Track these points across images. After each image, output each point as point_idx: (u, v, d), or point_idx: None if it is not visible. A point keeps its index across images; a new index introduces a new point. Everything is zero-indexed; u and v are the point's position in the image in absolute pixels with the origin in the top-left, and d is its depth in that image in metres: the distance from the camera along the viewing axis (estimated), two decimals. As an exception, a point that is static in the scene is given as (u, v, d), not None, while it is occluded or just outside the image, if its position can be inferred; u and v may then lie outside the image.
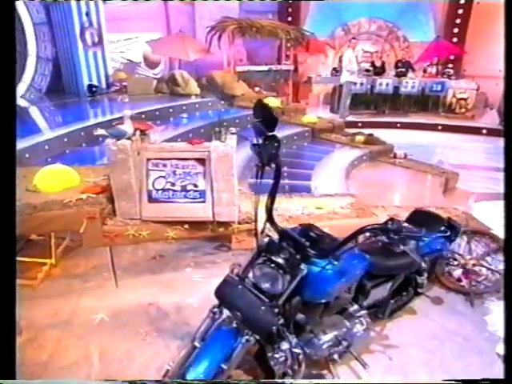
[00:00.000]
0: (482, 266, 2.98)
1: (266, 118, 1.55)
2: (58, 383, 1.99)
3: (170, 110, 5.93)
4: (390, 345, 2.38)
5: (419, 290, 2.34)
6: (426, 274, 2.30)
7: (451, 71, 9.49)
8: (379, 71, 9.63)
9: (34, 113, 6.38)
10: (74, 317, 2.57)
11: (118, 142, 2.39)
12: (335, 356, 1.89)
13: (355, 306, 2.02)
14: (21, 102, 6.74)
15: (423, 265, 2.30)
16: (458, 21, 10.65)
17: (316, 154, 4.96)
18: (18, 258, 2.95)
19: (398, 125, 8.56)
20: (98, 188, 2.67)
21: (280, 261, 1.52)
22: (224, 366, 1.57)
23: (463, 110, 8.93)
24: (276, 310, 1.55)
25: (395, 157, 5.16)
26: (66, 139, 3.93)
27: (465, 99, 8.88)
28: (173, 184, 2.56)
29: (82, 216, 2.47)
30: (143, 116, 5.53)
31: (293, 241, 1.56)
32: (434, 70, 9.70)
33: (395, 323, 2.56)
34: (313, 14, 11.57)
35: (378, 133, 7.92)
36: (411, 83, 9.26)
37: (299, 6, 11.32)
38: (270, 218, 1.64)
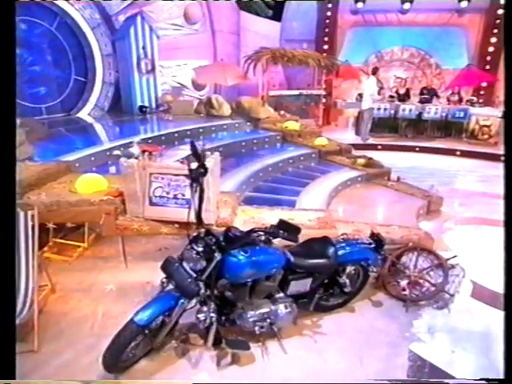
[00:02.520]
0: (425, 279, 3.33)
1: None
2: (57, 383, 2.01)
3: (201, 130, 6.74)
4: (320, 332, 2.86)
5: (345, 290, 2.80)
6: (345, 276, 2.75)
7: (475, 99, 9.40)
8: (403, 98, 9.79)
9: (97, 127, 7.54)
10: (92, 286, 3.36)
11: (128, 160, 3.16)
12: (256, 328, 2.44)
13: (281, 294, 2.57)
14: (87, 119, 8.00)
15: (350, 267, 2.79)
16: (491, 49, 10.49)
17: (315, 174, 5.45)
18: (60, 241, 3.88)
19: (417, 149, 8.68)
20: (116, 192, 3.47)
21: (199, 248, 2.15)
22: (166, 319, 2.22)
23: (486, 136, 8.82)
24: (201, 284, 2.17)
25: (389, 179, 5.49)
26: (107, 153, 4.83)
27: (488, 126, 8.77)
28: (167, 193, 3.27)
29: (102, 212, 3.28)
30: (188, 133, 6.40)
31: (213, 236, 2.18)
32: (456, 97, 9.65)
33: (333, 317, 3.03)
34: (348, 42, 12.01)
35: (394, 155, 8.20)
36: (434, 109, 9.34)
37: (335, 34, 11.81)
38: (198, 220, 2.28)
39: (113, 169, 4.67)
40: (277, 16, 11.90)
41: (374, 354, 2.66)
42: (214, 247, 2.16)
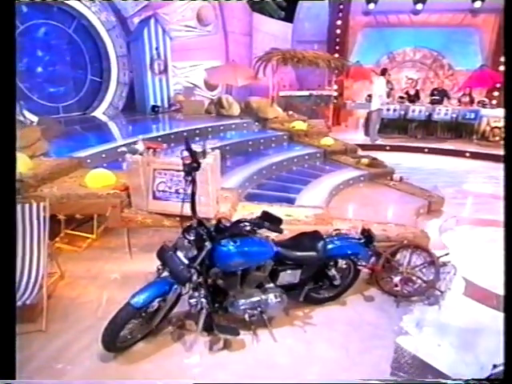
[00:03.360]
0: (417, 276, 3.40)
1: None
2: (57, 383, 2.03)
3: (209, 129, 6.91)
4: (310, 323, 2.97)
5: (334, 283, 2.91)
6: (334, 270, 2.86)
7: (486, 100, 9.29)
8: (413, 99, 9.75)
9: (111, 126, 7.81)
10: (98, 274, 3.56)
11: (133, 156, 3.34)
12: (246, 316, 2.57)
13: (271, 284, 2.70)
14: (102, 117, 8.29)
15: (341, 261, 2.89)
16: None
17: (318, 173, 5.55)
18: (71, 232, 4.11)
19: (426, 150, 8.65)
20: (122, 187, 3.66)
21: (190, 237, 2.30)
22: (161, 304, 2.38)
23: (497, 137, 8.71)
24: (193, 271, 2.32)
25: (391, 179, 5.54)
26: (118, 150, 5.04)
27: (499, 128, 8.66)
28: (170, 187, 3.43)
29: (108, 205, 3.47)
30: (197, 131, 6.58)
31: (205, 226, 2.34)
32: (467, 98, 9.54)
33: (324, 309, 3.14)
34: (360, 43, 12.01)
35: (402, 156, 8.20)
36: (444, 111, 9.27)
37: (347, 35, 11.82)
38: (192, 212, 2.43)
39: (123, 165, 4.88)
40: (289, 17, 12.01)
41: (360, 346, 2.76)
42: (204, 237, 2.31)
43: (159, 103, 8.83)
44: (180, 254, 2.35)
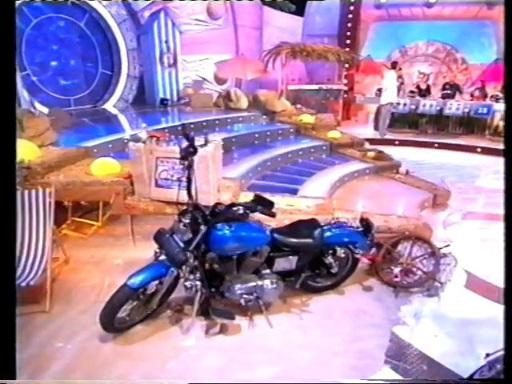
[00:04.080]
0: (417, 267, 3.38)
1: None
2: (57, 383, 2.03)
3: (216, 122, 6.95)
4: (306, 310, 2.99)
5: (331, 271, 2.91)
6: (331, 257, 2.86)
7: (500, 95, 9.06)
8: (424, 93, 9.58)
9: (121, 118, 7.92)
10: (102, 260, 3.64)
11: (136, 144, 3.40)
12: (242, 300, 2.61)
13: (267, 270, 2.73)
14: (112, 110, 8.41)
15: (339, 250, 2.90)
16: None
17: (323, 165, 5.53)
18: (78, 219, 4.21)
19: (436, 145, 8.51)
20: (126, 175, 3.72)
21: (186, 221, 2.34)
22: (158, 287, 2.44)
23: (510, 133, 8.48)
24: (189, 254, 2.36)
25: (397, 172, 5.48)
26: (125, 140, 5.12)
27: (512, 123, 8.43)
28: (172, 176, 3.48)
29: (112, 192, 3.54)
30: (204, 124, 6.63)
31: (200, 210, 2.37)
32: (480, 93, 9.33)
33: (321, 298, 3.15)
34: (372, 37, 11.85)
35: (410, 151, 8.09)
36: (456, 105, 9.10)
37: (358, 29, 11.66)
38: (189, 196, 2.46)
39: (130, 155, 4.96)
40: (299, 11, 11.92)
41: (355, 333, 2.77)
42: (200, 220, 2.34)
43: (168, 96, 8.90)
44: (176, 237, 2.39)
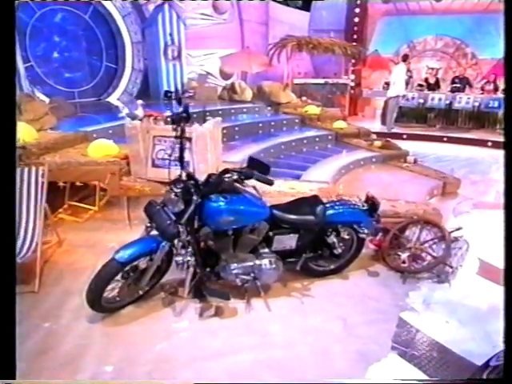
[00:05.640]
0: (426, 251, 3.18)
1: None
2: (57, 383, 1.99)
3: (220, 112, 6.80)
4: (308, 294, 2.81)
5: (334, 252, 2.72)
6: (334, 237, 2.67)
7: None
8: (433, 87, 9.33)
9: (123, 109, 7.81)
10: (97, 243, 3.50)
11: (132, 121, 3.26)
12: (238, 280, 2.43)
13: (265, 249, 2.55)
14: (116, 103, 8.32)
15: (343, 231, 2.71)
16: (534, 36, 9.75)
17: (328, 153, 5.34)
18: (74, 203, 4.09)
19: (445, 139, 8.26)
20: (123, 155, 3.59)
21: (177, 190, 2.17)
22: (149, 264, 2.28)
23: (523, 127, 8.20)
24: (180, 227, 2.19)
25: (405, 161, 5.27)
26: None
27: (525, 117, 8.15)
28: (170, 155, 3.31)
29: (107, 172, 3.40)
30: (207, 114, 6.50)
31: (193, 180, 2.21)
32: (491, 86, 9.05)
33: (324, 282, 2.97)
34: (379, 31, 11.63)
35: (419, 145, 7.86)
36: (465, 99, 8.83)
37: (365, 24, 11.46)
38: (181, 165, 2.30)
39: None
40: (306, 6, 11.76)
41: (359, 318, 2.58)
42: (192, 190, 2.17)
43: (172, 89, 8.78)
44: (168, 209, 2.23)
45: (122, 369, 2.12)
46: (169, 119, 2.20)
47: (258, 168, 2.16)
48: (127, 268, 2.28)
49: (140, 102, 3.31)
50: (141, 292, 2.55)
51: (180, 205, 2.17)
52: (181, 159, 2.30)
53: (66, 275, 2.98)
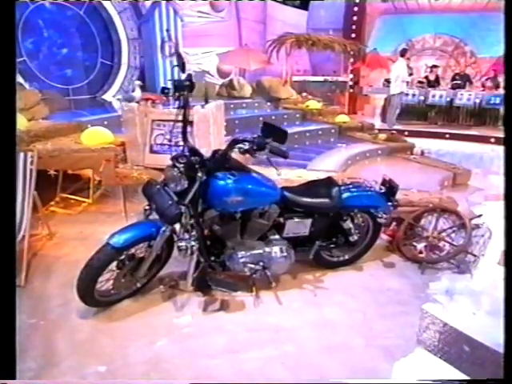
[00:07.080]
0: (445, 240, 2.96)
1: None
2: (57, 383, 1.96)
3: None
4: (321, 286, 2.57)
5: (350, 239, 2.48)
6: (350, 221, 2.44)
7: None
8: (433, 84, 9.19)
9: (118, 105, 7.55)
10: (91, 236, 3.23)
11: (128, 104, 3.02)
12: (246, 269, 2.18)
13: (276, 236, 2.30)
14: (111, 100, 8.08)
15: (358, 217, 2.47)
16: (533, 34, 9.67)
17: (332, 146, 5.14)
18: (68, 196, 3.83)
19: (447, 135, 8.09)
20: (119, 142, 3.34)
21: (180, 166, 1.92)
22: (147, 251, 2.02)
23: (525, 123, 8.06)
24: (183, 208, 1.94)
25: (412, 153, 5.07)
26: (121, 119, 4.75)
27: (527, 113, 8.02)
28: (169, 140, 3.10)
29: (102, 158, 3.15)
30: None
31: (198, 155, 1.96)
32: (492, 83, 8.93)
33: (337, 274, 2.73)
34: (378, 30, 11.54)
35: (421, 141, 7.67)
36: (466, 95, 8.68)
37: (364, 23, 11.35)
38: (184, 139, 2.06)
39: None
40: (304, 4, 11.64)
41: (379, 311, 2.34)
42: (197, 166, 1.93)
43: (169, 86, 8.56)
44: (169, 189, 1.98)
45: (117, 369, 1.86)
46: (171, 85, 1.97)
47: (273, 135, 1.90)
48: (123, 256, 2.03)
49: (138, 82, 3.07)
50: (138, 285, 2.29)
51: (183, 182, 1.93)
52: (184, 133, 2.06)
53: (56, 268, 2.72)
